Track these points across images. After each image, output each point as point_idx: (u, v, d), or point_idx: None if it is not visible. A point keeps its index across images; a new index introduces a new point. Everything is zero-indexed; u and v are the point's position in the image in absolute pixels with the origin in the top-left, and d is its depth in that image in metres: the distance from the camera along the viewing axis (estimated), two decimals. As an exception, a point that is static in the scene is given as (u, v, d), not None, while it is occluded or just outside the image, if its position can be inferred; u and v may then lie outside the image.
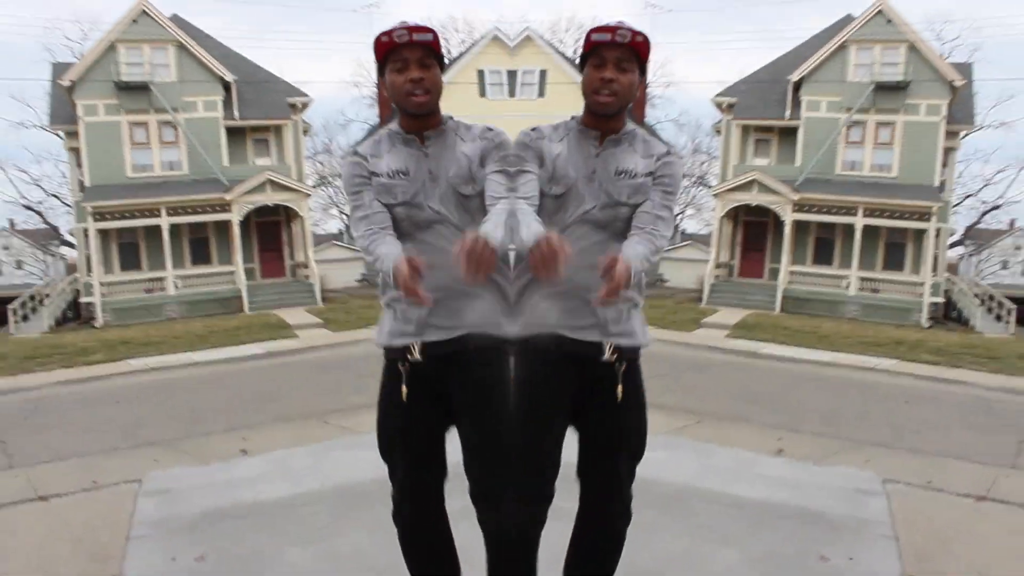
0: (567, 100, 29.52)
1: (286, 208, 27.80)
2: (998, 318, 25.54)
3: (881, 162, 26.72)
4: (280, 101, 28.40)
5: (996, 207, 49.80)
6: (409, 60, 2.40)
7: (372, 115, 40.09)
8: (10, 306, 26.15)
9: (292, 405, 9.45)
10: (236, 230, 26.37)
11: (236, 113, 27.60)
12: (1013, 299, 27.16)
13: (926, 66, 26.18)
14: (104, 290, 25.47)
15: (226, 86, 27.36)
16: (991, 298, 26.51)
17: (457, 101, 30.79)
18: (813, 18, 75.30)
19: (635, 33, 2.39)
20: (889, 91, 26.30)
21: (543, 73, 29.68)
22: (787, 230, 26.46)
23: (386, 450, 2.63)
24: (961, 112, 27.20)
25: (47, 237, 44.46)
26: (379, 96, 28.02)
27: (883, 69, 26.40)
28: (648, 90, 36.91)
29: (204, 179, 26.51)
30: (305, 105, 29.16)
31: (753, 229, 28.73)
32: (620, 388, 2.47)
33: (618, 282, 2.13)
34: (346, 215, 38.18)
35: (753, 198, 26.94)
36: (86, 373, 13.74)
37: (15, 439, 8.26)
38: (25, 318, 26.07)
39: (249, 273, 27.13)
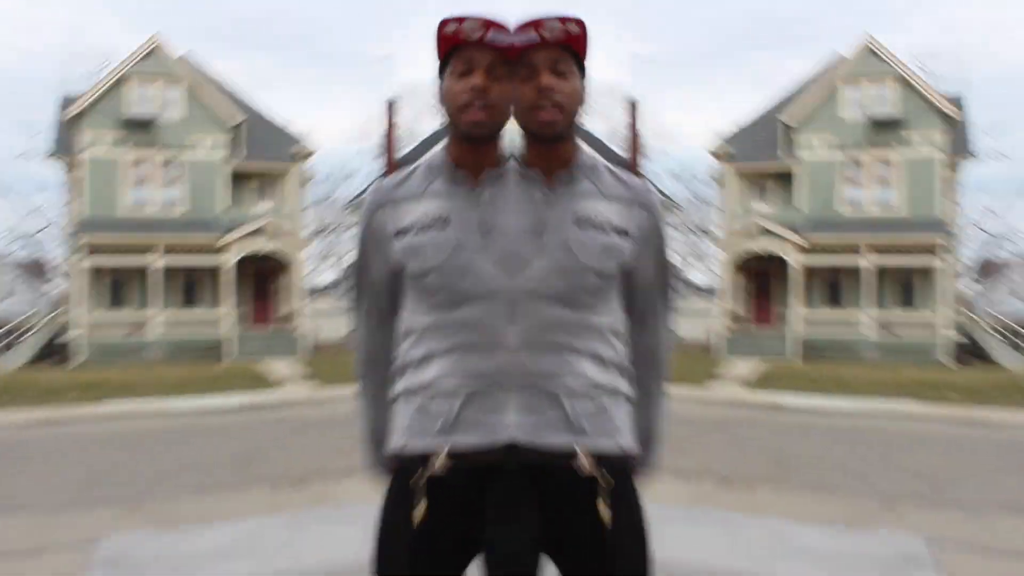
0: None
1: (282, 255, 27.52)
2: (1018, 349, 24.89)
3: (883, 199, 26.41)
4: (285, 148, 28.48)
5: (1002, 238, 49.39)
6: (475, 62, 1.75)
7: (376, 167, 40.33)
8: (-15, 339, 25.11)
9: (267, 466, 8.81)
10: (229, 275, 26.07)
11: (241, 156, 27.58)
12: (1028, 329, 26.56)
13: (920, 100, 26.04)
14: (87, 328, 24.97)
15: (232, 129, 27.36)
16: (1012, 331, 25.87)
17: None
18: (800, 61, 76.47)
19: (565, 21, 1.73)
20: (884, 127, 26.15)
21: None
22: (795, 275, 26.04)
23: None
24: (958, 144, 27.00)
25: (41, 269, 43.17)
26: (387, 145, 28.01)
27: (876, 105, 26.28)
28: (640, 140, 36.80)
29: (202, 220, 26.22)
30: (310, 153, 29.23)
31: (760, 276, 28.33)
32: (604, 507, 1.73)
33: None
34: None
35: (758, 244, 26.60)
36: (54, 415, 13.27)
37: (-34, 485, 7.89)
38: (8, 347, 25.38)
39: (238, 320, 26.63)
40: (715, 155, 29.29)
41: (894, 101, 26.15)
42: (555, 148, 1.79)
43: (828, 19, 76.66)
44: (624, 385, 1.84)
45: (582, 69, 1.80)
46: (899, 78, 26.19)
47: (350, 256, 1.97)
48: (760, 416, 13.70)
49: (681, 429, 10.99)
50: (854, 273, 26.06)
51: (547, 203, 1.78)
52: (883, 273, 25.86)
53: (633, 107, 37.21)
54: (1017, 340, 25.38)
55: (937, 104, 25.95)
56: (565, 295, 1.75)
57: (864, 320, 25.42)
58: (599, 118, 50.67)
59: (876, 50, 26.45)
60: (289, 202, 28.33)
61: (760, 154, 28.10)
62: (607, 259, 1.77)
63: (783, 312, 26.90)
